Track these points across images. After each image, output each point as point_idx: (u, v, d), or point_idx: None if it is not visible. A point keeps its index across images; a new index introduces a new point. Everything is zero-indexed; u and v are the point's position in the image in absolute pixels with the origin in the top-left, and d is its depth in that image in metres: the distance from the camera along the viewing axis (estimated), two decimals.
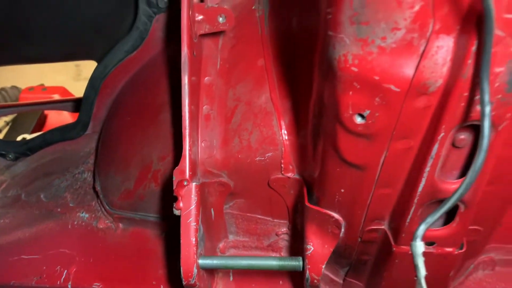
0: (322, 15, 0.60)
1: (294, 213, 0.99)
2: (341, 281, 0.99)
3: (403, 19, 0.52)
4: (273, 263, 0.92)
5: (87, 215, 1.25)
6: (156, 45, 1.17)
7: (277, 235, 1.07)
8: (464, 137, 0.62)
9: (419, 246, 0.51)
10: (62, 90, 2.56)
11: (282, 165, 0.94)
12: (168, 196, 1.05)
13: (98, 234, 1.21)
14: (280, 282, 1.06)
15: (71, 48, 1.32)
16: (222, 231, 1.07)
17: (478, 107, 0.53)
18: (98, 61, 1.30)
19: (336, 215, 0.82)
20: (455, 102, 0.55)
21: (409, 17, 0.51)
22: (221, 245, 1.09)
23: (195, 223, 0.88)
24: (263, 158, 0.94)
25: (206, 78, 0.99)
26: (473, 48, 0.51)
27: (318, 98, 0.71)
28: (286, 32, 0.99)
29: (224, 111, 0.96)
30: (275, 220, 1.05)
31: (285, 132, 0.93)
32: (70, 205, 1.30)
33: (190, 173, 0.89)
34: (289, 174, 0.94)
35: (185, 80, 0.88)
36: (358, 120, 0.62)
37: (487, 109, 0.48)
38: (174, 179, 0.88)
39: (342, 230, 0.84)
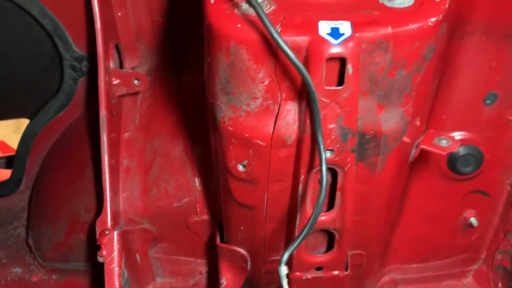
0: (206, 85, 0.74)
1: (212, 252, 1.10)
2: None
3: (258, 91, 0.66)
4: None
5: (20, 270, 1.28)
6: (82, 104, 1.27)
7: (200, 274, 1.16)
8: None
9: (283, 270, 0.64)
10: (1, 144, 2.54)
11: (198, 209, 1.05)
12: (95, 245, 1.13)
13: (32, 287, 1.25)
14: None
15: (4, 107, 1.38)
16: (149, 274, 1.15)
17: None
18: (31, 118, 1.37)
19: (242, 251, 0.94)
20: (306, 152, 0.69)
21: (262, 89, 0.66)
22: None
23: (118, 268, 0.97)
24: (180, 204, 1.05)
25: (126, 134, 1.10)
26: (309, 111, 0.66)
27: (214, 151, 0.84)
28: (197, 89, 1.12)
29: (143, 163, 1.07)
30: (198, 260, 1.15)
31: (198, 179, 1.05)
32: (4, 261, 1.32)
33: (112, 222, 0.98)
34: (205, 217, 1.05)
35: (104, 138, 0.98)
36: (241, 168, 0.75)
37: (323, 156, 0.63)
38: (96, 229, 0.97)
39: (249, 263, 0.95)
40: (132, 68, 1.13)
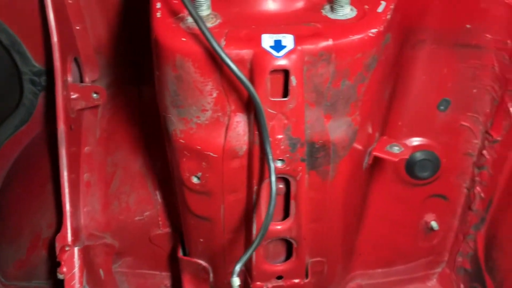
0: (157, 98, 0.75)
1: (176, 264, 1.09)
2: None
3: (207, 103, 0.67)
4: None
5: None
6: (43, 119, 1.25)
7: (166, 287, 1.15)
8: (282, 186, 0.78)
9: (236, 281, 0.64)
10: None
11: (160, 222, 1.05)
12: (56, 262, 1.11)
13: None
14: None
15: None
16: None
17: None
18: None
19: (203, 263, 0.94)
20: (257, 162, 0.70)
21: (211, 102, 0.66)
22: None
23: (79, 285, 0.95)
24: (142, 217, 1.05)
25: (86, 147, 1.09)
26: (257, 122, 0.67)
27: (170, 163, 0.84)
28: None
29: (103, 177, 1.06)
30: (163, 273, 1.14)
31: (159, 192, 1.05)
32: None
33: (72, 238, 0.96)
34: (167, 230, 1.05)
35: (62, 152, 0.97)
36: (195, 180, 0.76)
37: (272, 166, 0.63)
38: (56, 245, 0.95)
39: (211, 275, 0.95)
40: (93, 81, 1.12)
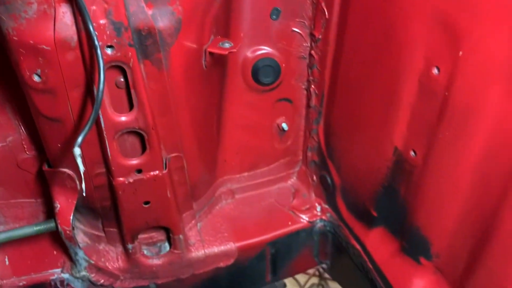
0: None
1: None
2: (103, 234, 1.17)
3: None
4: (30, 230, 1.05)
5: None
6: None
7: (44, 213, 1.19)
8: (122, 80, 0.86)
9: (77, 150, 0.72)
10: None
11: (25, 146, 1.08)
12: None
13: None
14: (54, 252, 1.18)
15: None
16: None
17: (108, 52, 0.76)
18: None
19: (67, 171, 1.00)
20: (89, 52, 0.78)
21: None
22: None
23: None
24: (5, 144, 1.07)
25: None
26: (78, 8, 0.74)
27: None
28: None
29: None
30: (38, 200, 1.17)
31: (20, 116, 1.07)
32: None
33: None
34: (33, 153, 1.08)
35: None
36: (36, 78, 0.81)
37: (97, 45, 0.72)
38: None
39: (77, 182, 1.01)
40: None
